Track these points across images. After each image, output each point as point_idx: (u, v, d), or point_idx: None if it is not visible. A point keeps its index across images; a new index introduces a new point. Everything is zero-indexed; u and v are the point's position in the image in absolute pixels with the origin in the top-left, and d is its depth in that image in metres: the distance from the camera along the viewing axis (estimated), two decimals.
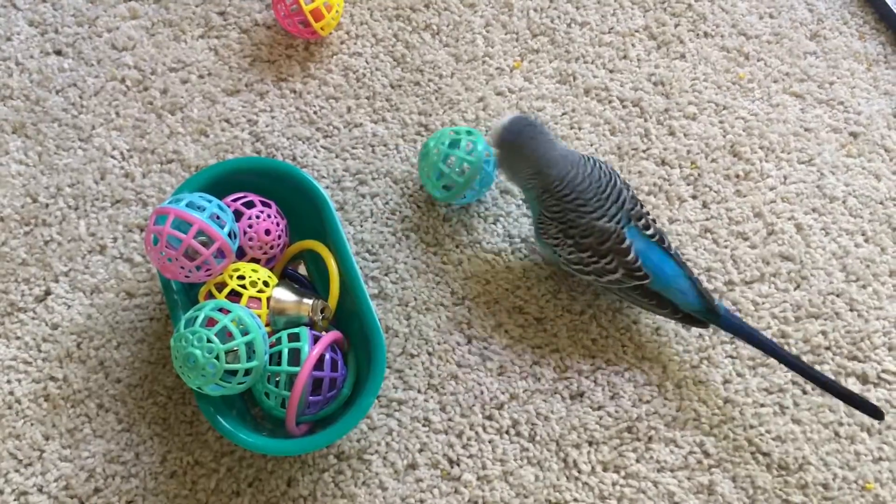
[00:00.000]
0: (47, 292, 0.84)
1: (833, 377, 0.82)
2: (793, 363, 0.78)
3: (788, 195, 0.90)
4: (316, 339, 0.75)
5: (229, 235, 0.75)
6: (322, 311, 0.78)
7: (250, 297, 0.75)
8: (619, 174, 0.80)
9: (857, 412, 0.79)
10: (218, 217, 0.75)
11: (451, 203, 0.87)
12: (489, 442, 0.80)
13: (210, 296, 0.75)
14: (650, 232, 0.78)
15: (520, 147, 0.77)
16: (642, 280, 0.77)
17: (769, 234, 0.88)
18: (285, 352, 0.73)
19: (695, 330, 0.84)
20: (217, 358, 0.69)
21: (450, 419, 0.81)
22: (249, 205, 0.79)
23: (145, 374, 0.81)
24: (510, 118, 0.77)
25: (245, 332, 0.71)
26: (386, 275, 0.86)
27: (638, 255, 0.77)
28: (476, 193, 0.85)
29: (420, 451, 0.79)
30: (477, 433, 0.80)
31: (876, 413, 0.76)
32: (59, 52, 0.96)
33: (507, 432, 0.80)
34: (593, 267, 0.78)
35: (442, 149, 0.83)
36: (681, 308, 0.79)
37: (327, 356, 0.74)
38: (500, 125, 0.77)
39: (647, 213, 0.80)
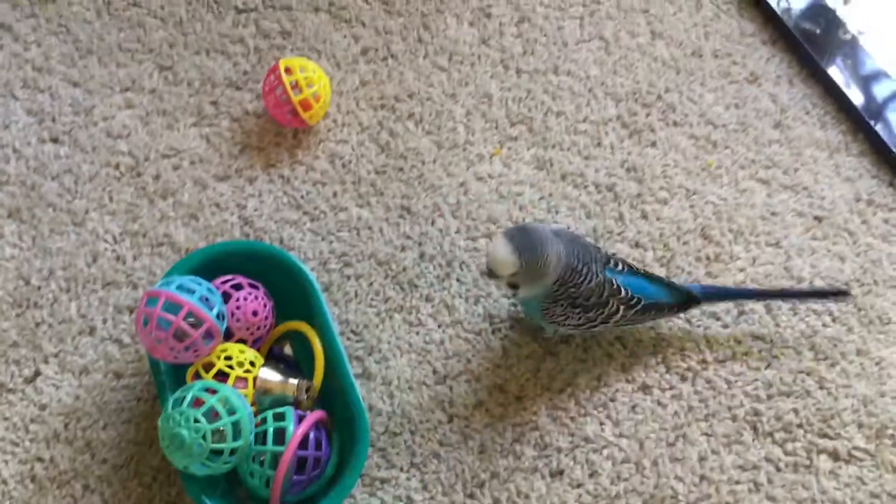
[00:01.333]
0: (36, 373, 0.86)
1: (805, 454, 0.84)
2: (769, 293, 0.89)
3: (757, 276, 0.94)
4: (301, 419, 0.77)
5: (218, 317, 0.77)
6: (307, 391, 0.80)
7: (237, 378, 0.77)
8: (569, 229, 0.85)
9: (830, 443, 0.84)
10: (207, 299, 0.77)
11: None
12: None
13: (198, 376, 0.77)
14: (619, 267, 0.83)
15: (540, 261, 0.76)
16: (637, 305, 0.83)
17: (740, 315, 0.91)
18: (270, 431, 0.75)
19: (670, 408, 0.86)
20: (204, 438, 0.70)
21: (432, 497, 0.82)
22: (238, 287, 0.82)
23: (132, 455, 0.82)
24: (506, 238, 0.75)
25: (231, 412, 0.72)
26: (370, 354, 0.88)
27: (635, 293, 0.83)
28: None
29: None
30: None
31: (840, 293, 0.88)
32: (55, 140, 1.00)
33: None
34: (601, 318, 0.82)
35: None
36: (673, 304, 0.86)
37: (311, 435, 0.76)
38: (505, 251, 0.75)
39: (605, 250, 0.86)
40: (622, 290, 0.82)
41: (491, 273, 0.77)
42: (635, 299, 0.83)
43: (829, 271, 0.94)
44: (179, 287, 0.77)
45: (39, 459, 0.82)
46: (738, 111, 1.05)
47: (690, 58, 1.07)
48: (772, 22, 1.09)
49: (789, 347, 0.90)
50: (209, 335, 0.77)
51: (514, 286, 0.79)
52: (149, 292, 0.76)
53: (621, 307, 0.82)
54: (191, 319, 0.76)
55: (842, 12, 1.09)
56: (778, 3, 1.09)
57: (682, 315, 0.90)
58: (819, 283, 0.93)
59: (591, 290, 0.80)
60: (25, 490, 0.80)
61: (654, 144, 1.02)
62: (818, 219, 0.97)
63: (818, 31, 1.07)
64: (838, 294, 0.88)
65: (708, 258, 0.95)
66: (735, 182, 1.00)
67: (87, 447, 0.82)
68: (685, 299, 0.86)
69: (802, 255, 0.95)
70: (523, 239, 0.76)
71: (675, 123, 1.03)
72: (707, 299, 0.88)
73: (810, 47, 1.06)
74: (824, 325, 0.91)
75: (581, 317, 0.82)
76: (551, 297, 0.80)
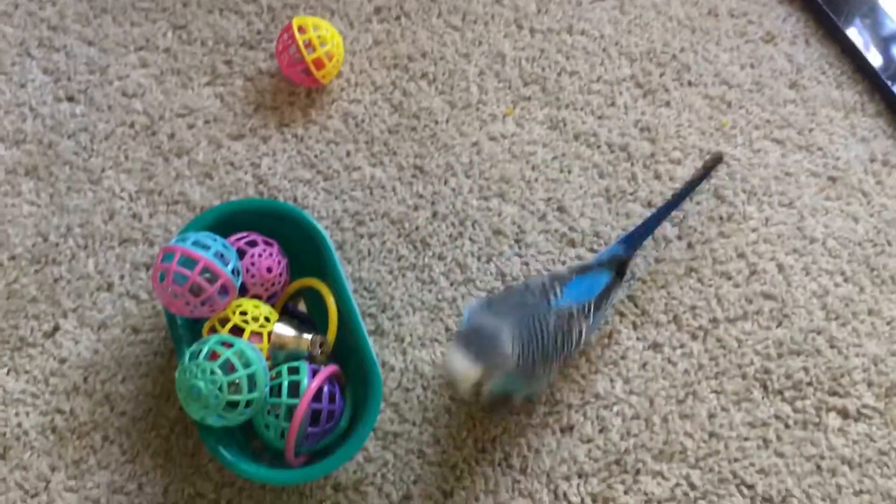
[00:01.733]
0: (56, 328, 0.87)
1: (814, 412, 0.85)
2: (670, 204, 0.90)
3: (770, 236, 0.94)
4: (315, 373, 0.78)
5: (233, 273, 0.78)
6: (321, 346, 0.81)
7: (252, 332, 0.78)
8: (529, 282, 0.81)
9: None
10: (222, 255, 0.78)
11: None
12: (482, 474, 0.82)
13: (213, 331, 0.79)
14: (557, 290, 0.80)
15: (500, 350, 0.73)
16: (590, 309, 0.81)
17: (752, 274, 0.92)
18: (285, 384, 0.76)
19: (681, 366, 0.87)
20: (220, 389, 0.72)
21: (444, 451, 0.83)
22: (252, 244, 0.83)
23: (149, 408, 0.84)
24: (463, 349, 0.72)
25: (247, 365, 0.74)
26: (382, 311, 0.89)
27: (584, 301, 0.80)
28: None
29: (414, 482, 0.82)
30: (470, 465, 0.82)
31: (716, 159, 0.93)
32: (71, 99, 1.00)
33: (499, 464, 0.82)
34: (575, 346, 0.80)
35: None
36: (613, 279, 0.84)
37: (325, 389, 0.77)
38: (466, 361, 0.71)
39: (549, 275, 0.84)
40: (573, 309, 0.79)
41: (453, 385, 0.75)
42: (586, 305, 0.80)
43: (841, 231, 0.94)
44: (195, 243, 0.78)
45: (59, 411, 0.83)
46: (754, 71, 1.04)
47: (706, 17, 1.06)
48: None
49: (801, 307, 0.90)
50: (224, 290, 0.78)
51: (476, 391, 0.74)
52: (165, 248, 0.77)
53: (583, 324, 0.80)
54: (206, 275, 0.77)
55: None
56: None
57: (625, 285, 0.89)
58: (832, 244, 0.93)
59: (552, 335, 0.77)
60: (46, 441, 0.82)
61: (668, 104, 1.02)
62: (832, 179, 0.97)
63: None
64: (715, 161, 0.93)
65: (721, 218, 0.95)
66: (749, 142, 0.99)
67: (106, 400, 0.84)
68: (616, 265, 0.85)
69: (816, 215, 0.95)
70: (477, 344, 0.72)
71: (689, 83, 1.03)
72: (632, 249, 0.87)
73: (828, 7, 1.05)
74: (836, 286, 0.91)
75: (556, 363, 0.79)
76: (524, 368, 0.75)
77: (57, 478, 0.81)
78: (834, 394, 0.86)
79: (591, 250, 0.93)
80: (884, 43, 1.04)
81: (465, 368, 0.71)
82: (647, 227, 0.89)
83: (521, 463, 0.83)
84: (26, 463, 0.81)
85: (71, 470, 0.81)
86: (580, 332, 0.80)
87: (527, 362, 0.75)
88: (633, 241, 0.88)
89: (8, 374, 0.85)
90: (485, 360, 0.72)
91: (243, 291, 0.82)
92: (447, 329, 0.89)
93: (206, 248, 0.78)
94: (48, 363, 0.86)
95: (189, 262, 0.76)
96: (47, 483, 0.80)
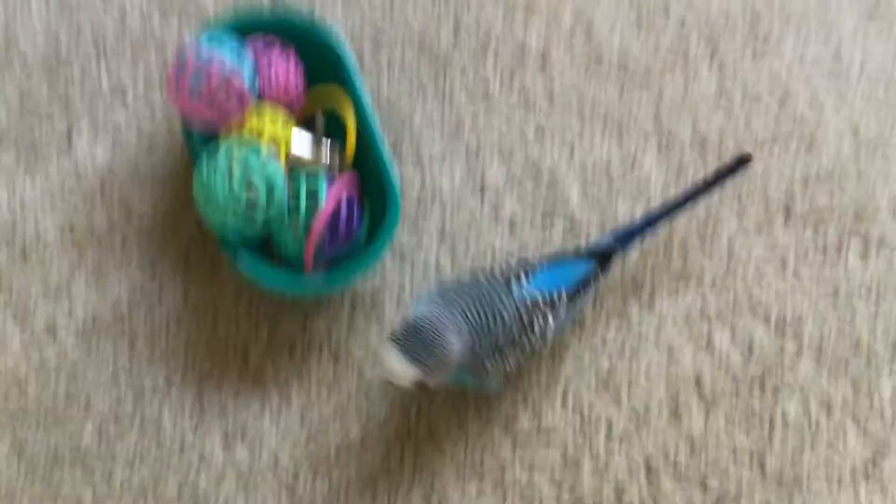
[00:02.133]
0: (72, 132, 0.86)
1: (836, 240, 0.84)
2: (676, 203, 0.81)
3: (805, 62, 0.90)
4: (332, 183, 0.77)
5: (249, 75, 0.76)
6: (339, 157, 0.80)
7: (269, 138, 0.77)
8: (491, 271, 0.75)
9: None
10: (239, 55, 0.76)
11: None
12: None
13: (230, 138, 0.77)
14: (525, 275, 0.74)
15: (441, 349, 0.67)
16: (560, 300, 0.75)
17: (783, 99, 0.89)
18: (303, 193, 0.76)
19: (702, 174, 0.85)
20: (237, 191, 0.71)
21: (460, 266, 0.83)
22: (269, 46, 0.80)
23: (166, 217, 0.84)
24: (399, 349, 0.66)
25: (265, 168, 0.73)
26: (401, 127, 0.87)
27: (553, 290, 0.75)
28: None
29: None
30: None
31: (741, 160, 0.82)
32: None
33: None
34: (538, 340, 0.75)
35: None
36: (594, 272, 0.77)
37: (344, 198, 0.77)
38: (404, 362, 0.66)
39: (517, 261, 0.78)
40: (538, 298, 0.74)
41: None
42: (555, 295, 0.74)
43: (879, 60, 0.90)
44: (210, 41, 0.75)
45: (78, 216, 0.83)
46: None
47: None
48: None
49: (831, 136, 0.88)
50: (240, 92, 0.76)
51: (422, 385, 0.69)
52: (181, 48, 0.75)
53: (549, 315, 0.74)
54: (223, 74, 0.74)
55: None
56: None
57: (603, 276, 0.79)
58: (869, 71, 0.89)
59: (509, 325, 0.72)
60: (66, 244, 0.83)
61: None
62: (873, 7, 0.92)
63: None
64: (740, 163, 0.81)
65: (755, 38, 0.91)
66: None
67: (124, 205, 0.84)
68: (600, 259, 0.78)
69: (854, 44, 0.91)
70: (415, 342, 0.66)
71: None
72: (622, 243, 0.79)
73: None
74: (869, 116, 0.88)
75: (512, 356, 0.74)
76: (472, 362, 0.71)
77: (78, 278, 0.82)
78: (857, 223, 0.85)
79: (621, 66, 0.89)
80: None
81: (402, 370, 0.66)
82: (646, 223, 0.80)
83: None
84: (48, 265, 0.82)
85: (91, 271, 0.82)
86: (543, 324, 0.74)
87: (476, 356, 0.70)
88: (626, 235, 0.79)
89: (25, 178, 0.85)
90: (423, 359, 0.66)
91: (259, 97, 0.80)
92: (467, 147, 0.87)
93: (221, 45, 0.75)
94: (64, 170, 0.85)
95: (205, 62, 0.74)
96: (69, 284, 0.81)
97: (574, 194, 0.86)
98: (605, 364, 0.81)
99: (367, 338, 0.81)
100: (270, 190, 0.73)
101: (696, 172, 0.86)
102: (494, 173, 0.86)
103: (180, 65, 0.74)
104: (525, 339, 0.73)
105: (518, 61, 0.90)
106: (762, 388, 0.81)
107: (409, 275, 0.83)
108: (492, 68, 0.90)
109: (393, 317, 0.82)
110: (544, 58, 0.90)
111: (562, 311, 0.75)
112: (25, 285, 0.82)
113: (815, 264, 0.84)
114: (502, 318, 0.71)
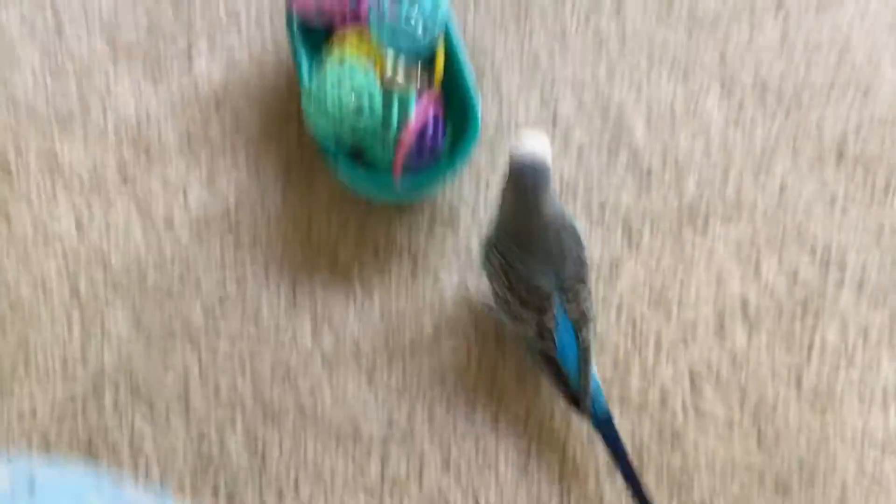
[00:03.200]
0: (191, 53, 0.97)
1: (884, 184, 0.90)
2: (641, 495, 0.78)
3: (868, 16, 0.96)
4: (421, 103, 0.86)
5: None
6: (428, 78, 0.88)
7: (367, 59, 0.86)
8: (584, 248, 0.78)
9: None
10: None
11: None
12: None
13: (335, 54, 0.87)
14: (574, 316, 0.77)
15: (543, 178, 0.71)
16: (549, 344, 0.78)
17: (843, 51, 0.95)
18: (395, 107, 0.85)
19: (762, 128, 0.92)
20: (344, 100, 0.81)
21: None
22: None
23: (271, 129, 0.94)
24: (531, 153, 0.70)
25: (368, 83, 0.82)
26: (484, 59, 0.96)
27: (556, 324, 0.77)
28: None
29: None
30: None
31: None
32: None
33: (578, 201, 0.91)
34: (513, 308, 0.78)
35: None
36: (569, 388, 0.79)
37: (431, 113, 0.86)
38: (542, 143, 0.71)
39: (585, 298, 0.78)
40: (553, 319, 0.77)
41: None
42: (550, 339, 0.77)
43: None
44: None
45: (194, 123, 0.94)
46: None
47: None
48: None
49: (887, 88, 0.93)
50: None
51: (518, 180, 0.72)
52: None
53: (535, 325, 0.77)
54: None
55: None
56: None
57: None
58: None
59: (527, 280, 0.76)
60: (184, 147, 0.93)
61: None
62: None
63: None
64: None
65: None
66: None
67: (235, 117, 0.94)
68: (578, 397, 0.78)
69: None
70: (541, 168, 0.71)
71: None
72: (598, 425, 0.79)
73: None
74: None
75: (502, 286, 0.78)
76: (497, 247, 0.77)
77: (192, 178, 0.92)
78: None
79: (691, 14, 0.96)
80: None
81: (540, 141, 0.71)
82: (620, 450, 0.79)
83: (599, 208, 0.91)
84: (167, 163, 0.93)
85: (204, 173, 0.93)
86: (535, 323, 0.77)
87: (502, 243, 0.76)
88: (607, 430, 0.79)
89: (150, 88, 0.96)
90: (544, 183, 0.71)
91: (356, 18, 0.89)
92: (542, 82, 0.95)
93: None
94: (184, 83, 0.96)
95: None
96: (185, 183, 0.92)
97: (639, 128, 0.93)
98: (658, 282, 0.89)
99: (443, 246, 0.90)
100: (371, 102, 0.82)
101: (755, 113, 0.93)
102: (566, 105, 0.94)
103: None
104: (518, 305, 0.77)
105: (595, 5, 0.97)
106: (804, 314, 0.87)
107: (484, 193, 0.92)
108: (570, 11, 0.97)
109: (468, 228, 0.90)
110: (619, 3, 0.97)
111: (539, 345, 0.78)
112: (148, 181, 0.93)
113: (863, 204, 0.90)
114: (531, 276, 0.76)
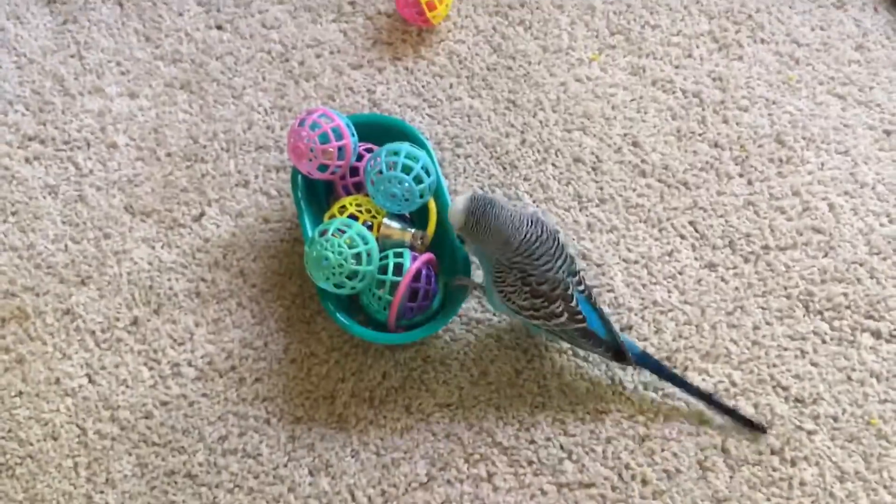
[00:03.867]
0: (202, 214, 1.05)
1: (850, 331, 0.96)
2: (695, 391, 0.91)
3: (824, 179, 1.04)
4: (415, 259, 0.93)
5: (354, 145, 0.96)
6: (421, 239, 0.96)
7: (364, 221, 0.94)
8: (559, 231, 0.90)
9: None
10: (349, 126, 0.96)
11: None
12: (549, 359, 0.96)
13: (333, 217, 0.94)
14: (581, 287, 0.89)
15: (486, 225, 0.84)
16: (581, 322, 0.88)
17: (804, 210, 1.03)
18: (391, 265, 0.92)
19: (732, 283, 0.99)
20: (345, 259, 0.88)
21: (517, 338, 0.97)
22: (370, 150, 0.98)
23: (275, 282, 1.00)
24: (468, 200, 0.84)
25: (365, 243, 0.89)
26: None
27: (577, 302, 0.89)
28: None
29: (492, 362, 0.96)
30: (540, 351, 0.96)
31: (756, 427, 0.91)
32: (219, 27, 1.18)
33: (564, 352, 0.96)
34: (543, 311, 0.88)
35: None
36: (608, 346, 0.90)
37: (424, 272, 0.92)
38: (461, 209, 0.84)
39: (580, 271, 0.91)
40: (573, 299, 0.87)
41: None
42: (581, 316, 0.88)
43: (891, 178, 1.04)
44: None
45: (203, 280, 1.01)
46: (823, 33, 1.14)
47: None
48: None
49: (846, 241, 1.01)
50: (345, 150, 0.95)
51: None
52: (308, 109, 0.96)
53: (565, 314, 0.87)
54: (335, 131, 0.94)
55: None
56: None
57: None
58: (881, 189, 1.03)
59: (546, 278, 0.86)
60: (191, 302, 1.00)
61: (740, 58, 1.13)
62: (887, 132, 1.07)
63: None
64: (755, 428, 0.91)
65: (780, 160, 1.06)
66: (813, 95, 1.10)
67: (241, 274, 1.01)
68: (617, 349, 0.90)
69: (869, 163, 1.05)
70: (483, 207, 0.84)
71: (762, 41, 1.14)
72: (639, 363, 0.91)
73: None
74: (881, 225, 1.01)
75: (527, 299, 0.87)
76: (506, 264, 0.86)
77: (199, 331, 0.98)
78: (869, 317, 0.97)
79: (660, 181, 1.05)
80: None
81: (457, 213, 0.84)
82: (665, 371, 0.92)
83: (584, 353, 0.96)
84: (175, 318, 0.99)
85: (211, 326, 0.98)
86: (557, 311, 0.87)
87: (515, 260, 0.85)
88: (647, 361, 0.92)
89: (163, 247, 1.03)
90: (474, 221, 0.84)
91: (358, 189, 0.97)
92: None
93: (339, 116, 0.96)
94: (195, 241, 1.03)
95: (325, 116, 0.95)
96: (192, 335, 0.98)
97: (618, 280, 1.00)
98: (641, 430, 0.93)
99: (433, 393, 0.95)
100: (368, 260, 0.89)
101: (726, 270, 1.00)
102: None
103: (304, 117, 0.95)
104: (542, 301, 0.87)
105: (574, 172, 1.06)
106: (782, 458, 0.91)
107: (474, 342, 0.97)
108: (551, 176, 1.06)
109: (458, 375, 0.95)
110: (595, 168, 1.06)
111: (571, 326, 0.88)
112: (157, 334, 0.98)
113: (831, 353, 0.95)
114: (549, 268, 0.86)
